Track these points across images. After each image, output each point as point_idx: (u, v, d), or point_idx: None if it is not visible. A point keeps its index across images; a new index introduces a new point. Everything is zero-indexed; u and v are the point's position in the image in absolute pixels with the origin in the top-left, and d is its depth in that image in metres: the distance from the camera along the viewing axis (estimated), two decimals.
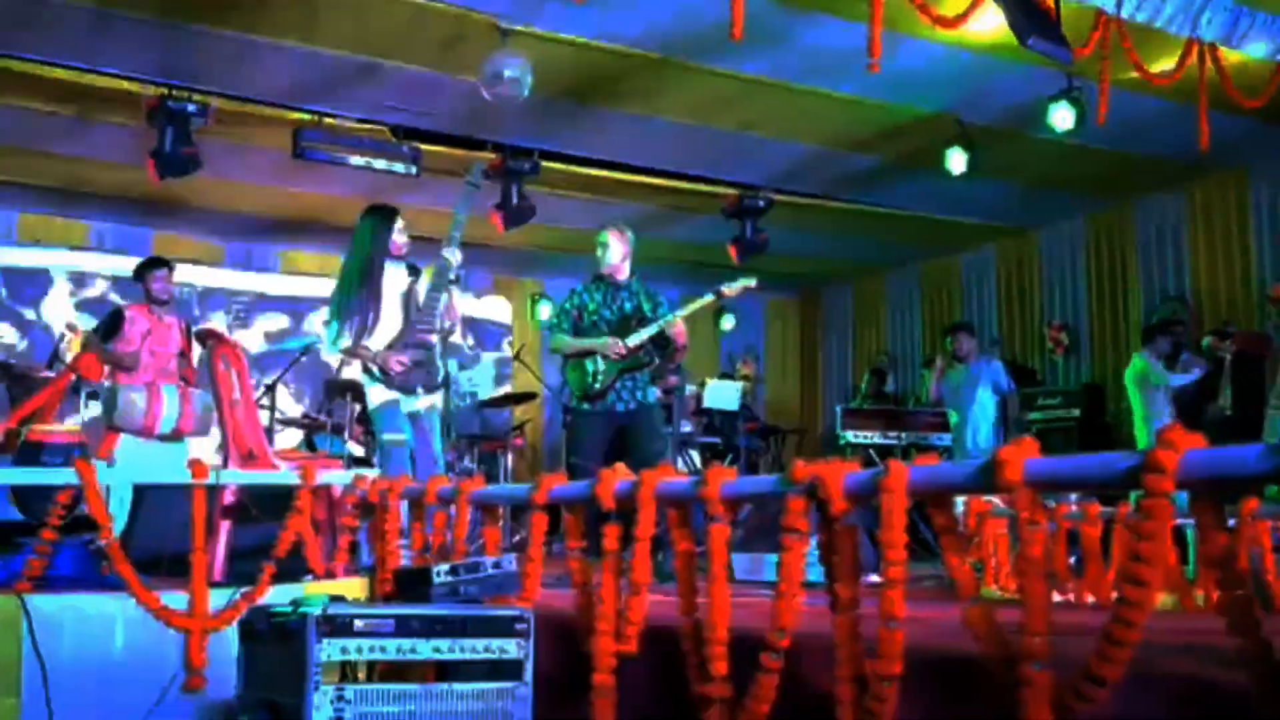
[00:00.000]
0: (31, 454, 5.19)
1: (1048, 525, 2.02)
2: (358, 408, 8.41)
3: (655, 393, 6.65)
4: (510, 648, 3.01)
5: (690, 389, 10.20)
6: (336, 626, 2.80)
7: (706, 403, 10.00)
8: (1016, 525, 2.07)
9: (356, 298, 5.87)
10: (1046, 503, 2.08)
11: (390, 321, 5.91)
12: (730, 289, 6.61)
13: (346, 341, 5.81)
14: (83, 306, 11.03)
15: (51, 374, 8.37)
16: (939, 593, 4.91)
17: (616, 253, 6.50)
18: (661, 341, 6.43)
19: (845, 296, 14.17)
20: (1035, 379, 11.06)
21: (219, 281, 11.91)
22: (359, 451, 8.96)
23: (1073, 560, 5.49)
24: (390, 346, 5.81)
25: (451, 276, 5.97)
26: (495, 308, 13.35)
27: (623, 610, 2.86)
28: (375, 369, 5.77)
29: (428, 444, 5.97)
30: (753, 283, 6.76)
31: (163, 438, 6.74)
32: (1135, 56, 6.73)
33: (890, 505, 2.20)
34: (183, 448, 6.94)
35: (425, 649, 2.90)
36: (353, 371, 6.96)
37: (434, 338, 5.93)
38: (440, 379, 5.96)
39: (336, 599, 3.02)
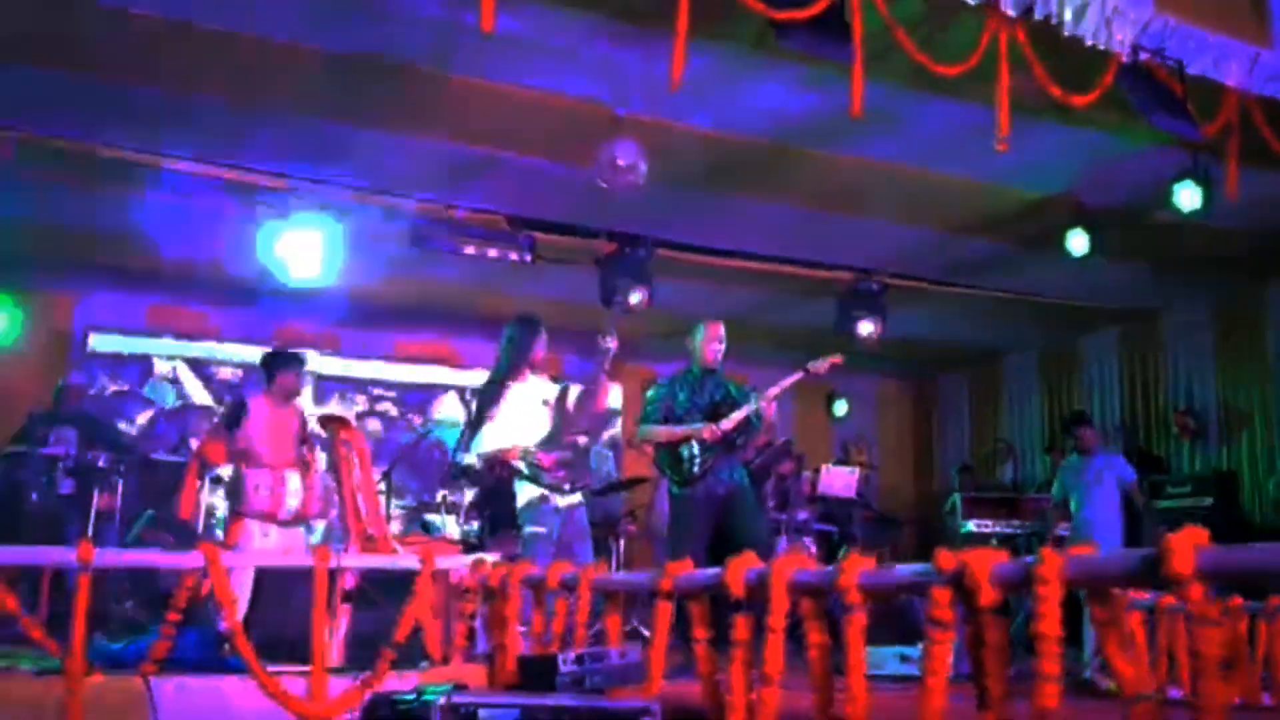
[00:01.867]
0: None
1: (1228, 623, 1.87)
2: (473, 492, 8.47)
3: (746, 474, 6.75)
4: None
5: (805, 475, 10.05)
6: (461, 716, 2.74)
7: (821, 489, 9.83)
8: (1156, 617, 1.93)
9: (497, 404, 6.03)
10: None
11: (537, 425, 6.03)
12: (818, 365, 6.68)
13: (485, 446, 5.96)
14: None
15: (174, 458, 8.59)
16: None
17: (710, 344, 6.71)
18: (745, 426, 6.54)
19: (961, 382, 13.92)
20: (1162, 467, 10.68)
21: (335, 369, 12.11)
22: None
23: None
24: (540, 446, 5.95)
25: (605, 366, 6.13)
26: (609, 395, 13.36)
27: (753, 704, 2.75)
28: (526, 467, 5.89)
29: (569, 543, 6.02)
30: (839, 358, 6.81)
31: (285, 522, 6.82)
32: (1267, 132, 6.54)
33: (1046, 595, 2.08)
34: (306, 531, 7.04)
35: None
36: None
37: (583, 440, 6.09)
38: (590, 478, 6.15)
39: (459, 687, 2.96)
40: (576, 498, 6.15)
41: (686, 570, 3.15)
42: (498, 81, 6.76)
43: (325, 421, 5.78)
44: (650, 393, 6.95)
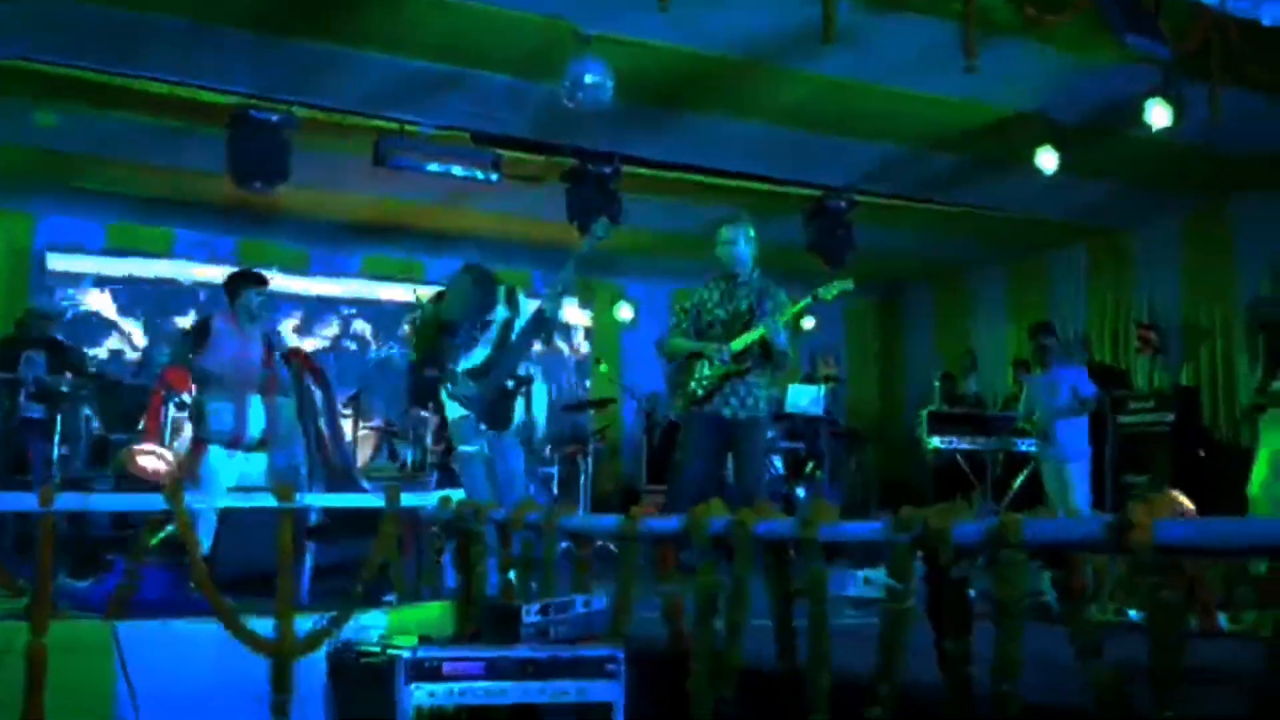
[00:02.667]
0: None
1: (1179, 594, 1.88)
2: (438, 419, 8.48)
3: (765, 402, 6.34)
4: (602, 689, 2.93)
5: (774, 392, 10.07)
6: (425, 671, 2.75)
7: (788, 406, 9.86)
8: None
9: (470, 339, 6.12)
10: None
11: (476, 353, 6.04)
12: (827, 293, 6.36)
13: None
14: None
15: (137, 382, 8.52)
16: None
17: (736, 245, 6.32)
18: (768, 351, 6.18)
19: (928, 296, 13.93)
20: (1125, 382, 10.76)
21: (303, 287, 12.00)
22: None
23: None
24: (474, 376, 5.90)
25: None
26: (574, 310, 13.32)
27: (718, 652, 2.77)
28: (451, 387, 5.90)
29: (505, 459, 5.99)
30: (850, 285, 6.50)
31: (249, 448, 6.78)
32: (1241, 52, 6.49)
33: (1007, 561, 2.08)
34: (268, 458, 7.01)
35: (515, 692, 2.83)
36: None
37: (511, 383, 6.02)
38: (511, 422, 6.09)
39: (423, 639, 2.96)
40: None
41: (651, 514, 3.15)
42: None
43: (289, 356, 5.71)
44: (684, 302, 6.61)
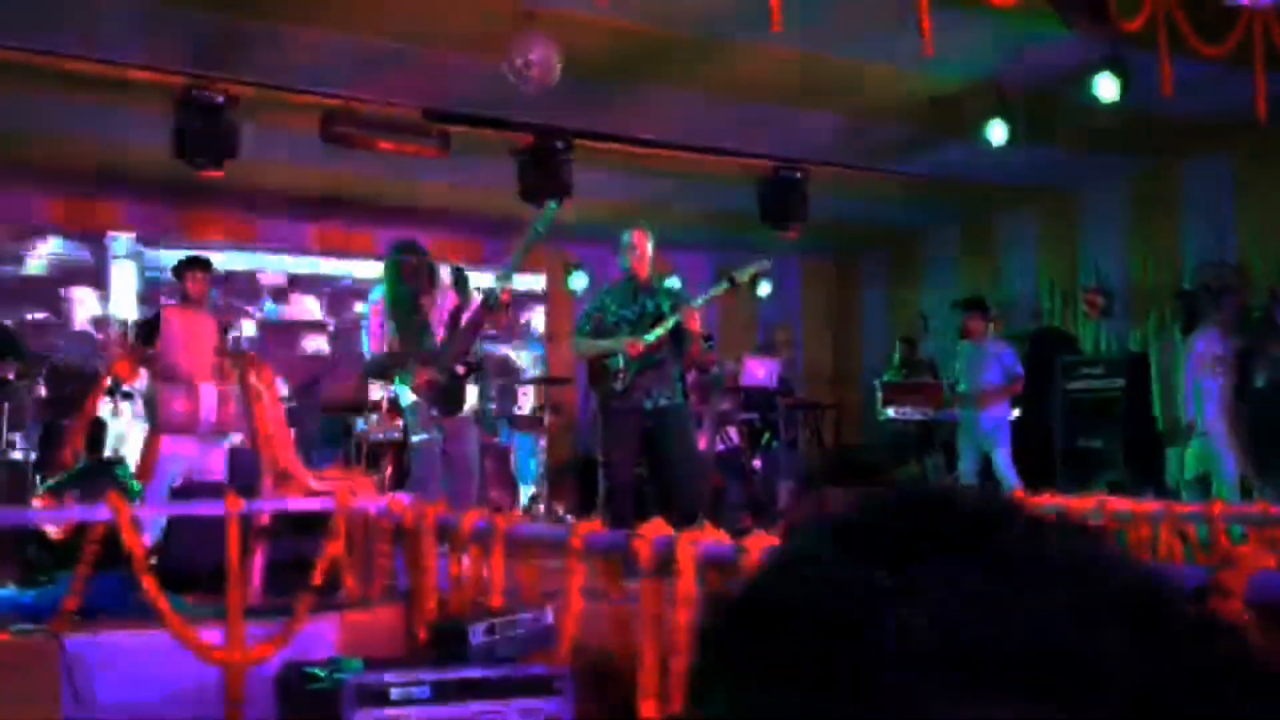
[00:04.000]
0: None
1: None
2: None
3: (683, 390, 6.64)
4: (549, 708, 2.96)
5: (728, 365, 10.10)
6: (372, 696, 2.75)
7: (744, 380, 9.89)
8: None
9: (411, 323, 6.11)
10: None
11: (429, 338, 6.08)
12: (742, 275, 6.55)
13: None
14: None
15: (86, 366, 8.42)
16: None
17: (638, 252, 6.55)
18: (678, 338, 6.44)
19: (882, 262, 13.97)
20: (1074, 347, 10.87)
21: (250, 265, 11.86)
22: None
23: None
24: (424, 363, 5.93)
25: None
26: (529, 280, 13.25)
27: (666, 670, 2.79)
28: (401, 377, 5.93)
29: (459, 442, 6.02)
30: (767, 264, 6.78)
31: (203, 435, 6.75)
32: (1187, 27, 6.51)
33: None
34: (225, 443, 7.00)
35: (463, 714, 2.85)
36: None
37: (461, 369, 6.05)
38: (462, 406, 6.11)
39: (369, 664, 2.96)
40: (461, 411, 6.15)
41: (595, 529, 3.16)
42: None
43: (234, 358, 5.68)
44: (587, 306, 6.90)
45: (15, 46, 7.27)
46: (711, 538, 2.74)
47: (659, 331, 6.31)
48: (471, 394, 6.44)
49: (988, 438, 8.57)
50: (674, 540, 2.78)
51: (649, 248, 6.58)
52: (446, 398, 6.09)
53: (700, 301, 6.47)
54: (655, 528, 2.88)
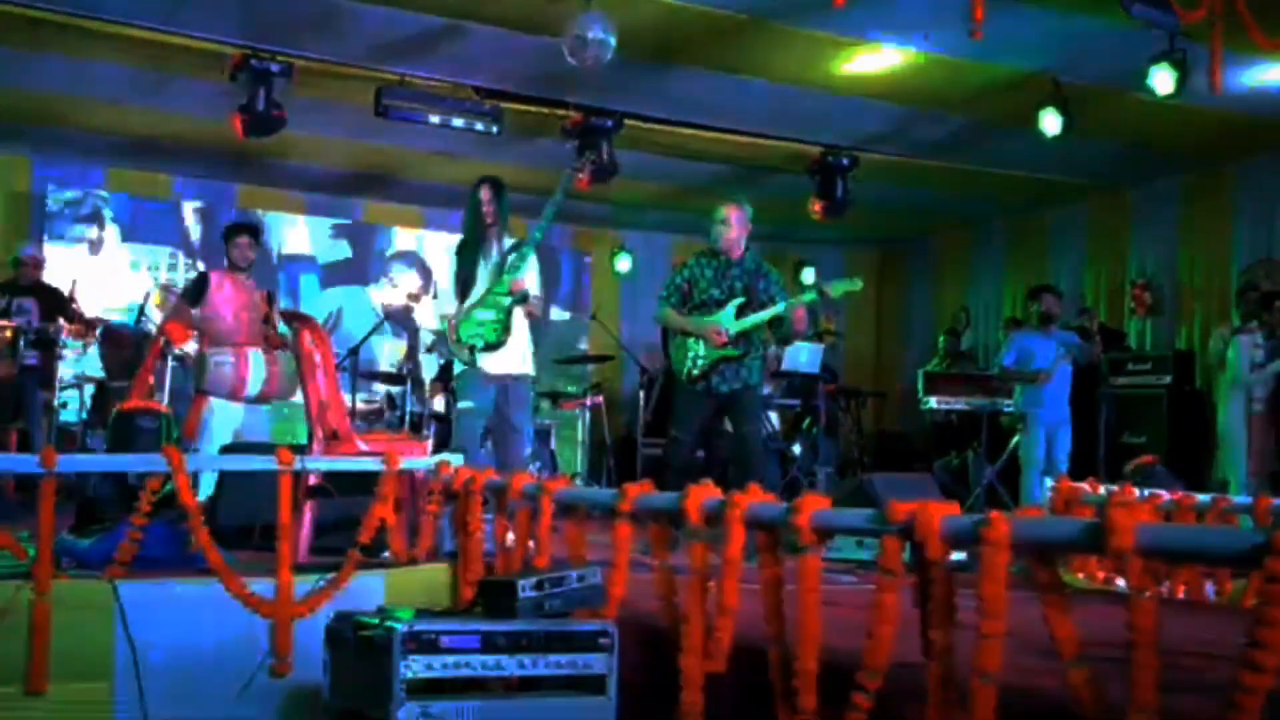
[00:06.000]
0: (124, 429, 5.24)
1: (1159, 593, 1.93)
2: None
3: (759, 372, 6.49)
4: (594, 662, 3.00)
5: (771, 350, 10.09)
6: (422, 644, 2.81)
7: (786, 364, 9.89)
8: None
9: (463, 268, 6.04)
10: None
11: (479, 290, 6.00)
12: (834, 290, 6.42)
13: (450, 308, 5.99)
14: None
15: (140, 329, 8.55)
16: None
17: (733, 228, 6.33)
18: (777, 326, 6.32)
19: (928, 252, 13.92)
20: (1123, 343, 10.80)
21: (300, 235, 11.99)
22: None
23: None
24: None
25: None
26: (574, 261, 13.32)
27: (710, 629, 2.82)
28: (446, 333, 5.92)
29: (507, 415, 5.97)
30: (858, 286, 6.59)
31: (250, 400, 6.85)
32: (1249, 20, 6.43)
33: (991, 558, 2.12)
34: (270, 410, 7.09)
35: (510, 665, 2.90)
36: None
37: (507, 300, 5.91)
38: (505, 340, 5.91)
39: (420, 613, 3.02)
40: (514, 367, 5.97)
41: (646, 491, 3.19)
42: None
43: (289, 318, 5.74)
44: (674, 274, 6.61)
45: (71, 11, 7.38)
46: (759, 498, 2.77)
47: (753, 320, 6.16)
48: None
49: (1059, 417, 8.60)
50: (723, 501, 2.81)
51: (744, 225, 6.36)
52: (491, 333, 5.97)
53: (794, 302, 6.28)
54: (704, 489, 2.91)
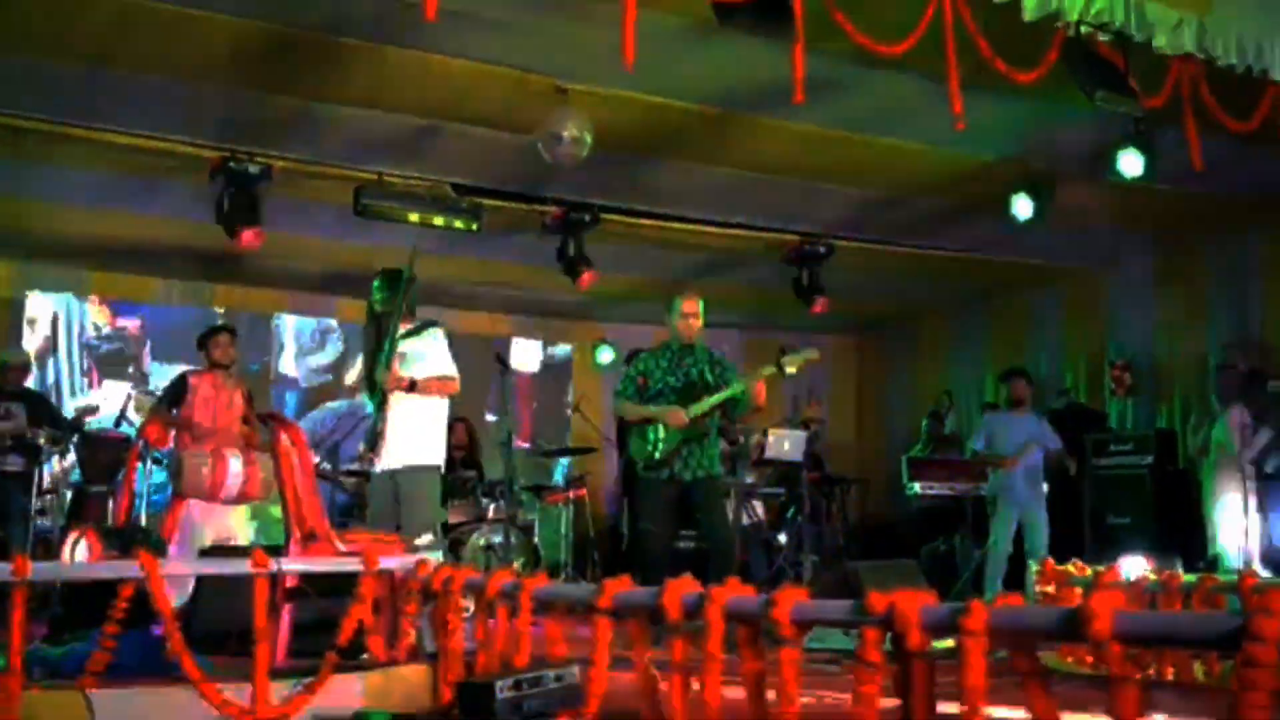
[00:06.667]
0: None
1: (1138, 681, 1.91)
2: None
3: (719, 461, 6.60)
4: None
5: (754, 437, 10.09)
6: None
7: (770, 453, 9.87)
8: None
9: (364, 363, 6.58)
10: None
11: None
12: (790, 363, 6.50)
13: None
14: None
15: (118, 432, 8.51)
16: None
17: (689, 318, 6.51)
18: (730, 404, 6.39)
19: (908, 338, 13.98)
20: (1102, 424, 10.82)
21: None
22: None
23: None
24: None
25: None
26: (553, 355, 13.35)
27: None
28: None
29: (409, 487, 6.05)
30: (815, 355, 6.70)
31: (228, 502, 6.79)
32: (1211, 102, 6.54)
33: (970, 647, 2.10)
34: (248, 510, 7.02)
35: None
36: None
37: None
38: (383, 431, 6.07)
39: (399, 716, 2.96)
40: (399, 460, 6.13)
41: (624, 587, 3.16)
42: (438, 54, 6.68)
43: (265, 418, 5.73)
44: (630, 368, 6.83)
45: (52, 119, 7.44)
46: (739, 592, 2.74)
47: (708, 404, 6.26)
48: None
49: (1031, 499, 8.57)
50: (703, 596, 2.78)
51: (700, 314, 6.54)
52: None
53: (751, 380, 6.38)
54: (683, 584, 2.88)
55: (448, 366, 6.29)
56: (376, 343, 6.31)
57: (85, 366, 11.01)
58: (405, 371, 6.23)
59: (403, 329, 6.29)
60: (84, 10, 6.06)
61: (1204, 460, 8.77)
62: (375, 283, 6.43)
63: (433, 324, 6.37)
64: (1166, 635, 1.95)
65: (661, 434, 6.29)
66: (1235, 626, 1.71)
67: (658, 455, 6.26)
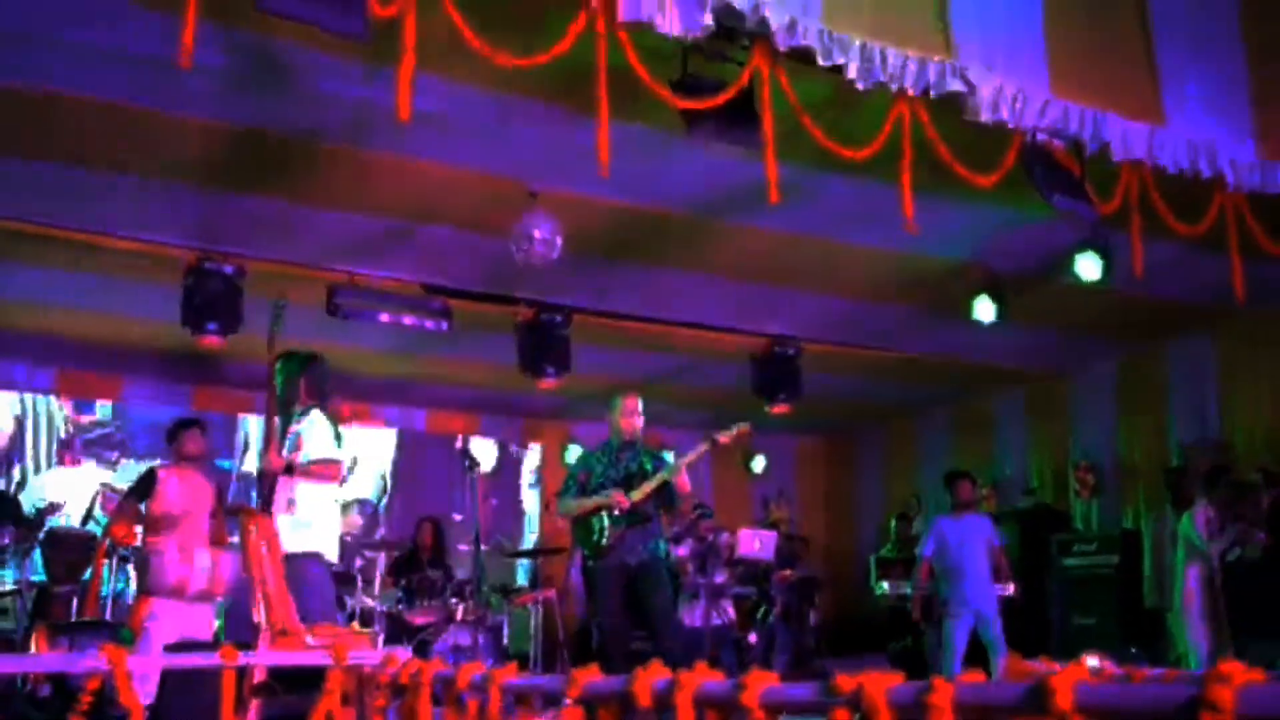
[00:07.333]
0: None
1: None
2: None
3: (665, 547, 6.82)
4: None
5: (724, 538, 10.10)
6: None
7: (740, 552, 9.88)
8: None
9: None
10: None
11: None
12: (725, 435, 6.75)
13: None
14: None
15: (84, 530, 8.43)
16: None
17: (630, 415, 6.81)
18: (668, 496, 6.64)
19: (877, 439, 14.11)
20: (1067, 524, 10.91)
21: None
22: None
23: None
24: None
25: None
26: (528, 454, 13.37)
27: None
28: None
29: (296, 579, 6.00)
30: (746, 427, 6.95)
31: (193, 598, 6.72)
32: (1163, 208, 6.73)
33: None
34: (214, 609, 6.95)
35: None
36: None
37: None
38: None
39: None
40: (289, 546, 5.94)
41: (593, 677, 3.17)
42: (413, 157, 6.81)
43: (234, 511, 5.73)
44: (571, 467, 7.06)
45: (23, 219, 7.51)
46: (709, 676, 2.76)
47: (645, 487, 6.54)
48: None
49: (983, 604, 8.54)
50: (672, 681, 2.80)
51: (639, 412, 6.82)
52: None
53: (684, 461, 6.63)
54: (653, 671, 2.90)
55: (329, 450, 6.31)
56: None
57: (52, 456, 10.93)
58: (287, 456, 6.24)
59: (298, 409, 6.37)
60: (59, 112, 6.16)
61: (1171, 554, 8.76)
62: (277, 365, 6.48)
63: (311, 409, 6.41)
64: (1127, 707, 1.99)
65: (606, 521, 6.54)
66: (1192, 696, 1.76)
67: (605, 542, 6.45)
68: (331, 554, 6.46)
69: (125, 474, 10.73)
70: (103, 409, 11.33)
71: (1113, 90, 6.48)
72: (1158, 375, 10.72)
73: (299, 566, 6.04)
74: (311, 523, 6.24)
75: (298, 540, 6.11)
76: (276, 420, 6.29)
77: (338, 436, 6.51)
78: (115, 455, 11.12)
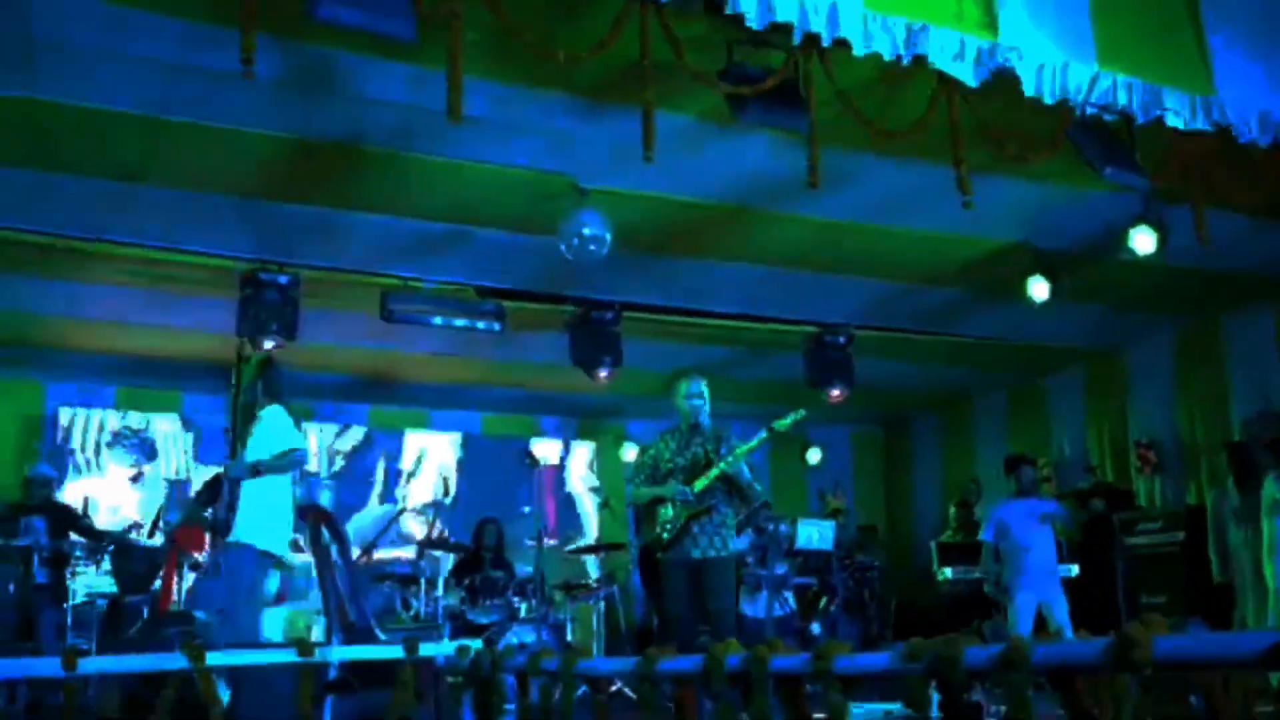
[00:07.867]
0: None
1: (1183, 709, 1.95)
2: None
3: (736, 542, 6.71)
4: None
5: (784, 529, 10.08)
6: None
7: (799, 543, 9.86)
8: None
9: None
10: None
11: None
12: (782, 425, 6.60)
13: None
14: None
15: (152, 542, 8.57)
16: None
17: (696, 399, 6.64)
18: (734, 486, 6.50)
19: (932, 425, 14.02)
20: (1131, 502, 10.78)
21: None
22: None
23: None
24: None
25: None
26: (579, 453, 13.41)
27: None
28: None
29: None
30: (803, 414, 6.77)
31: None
32: (1217, 177, 6.66)
33: (1017, 683, 2.14)
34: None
35: None
36: None
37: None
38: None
39: None
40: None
41: (667, 656, 3.20)
42: (461, 159, 6.86)
43: (304, 512, 5.79)
44: (640, 455, 6.98)
45: (81, 236, 7.66)
46: (784, 652, 2.78)
47: (706, 479, 6.39)
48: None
49: (1046, 586, 8.47)
50: (747, 658, 2.82)
51: (703, 395, 6.66)
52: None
53: (742, 450, 6.49)
54: (726, 647, 2.92)
55: (289, 441, 6.34)
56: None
57: (103, 466, 11.11)
58: (251, 457, 6.28)
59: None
60: (114, 129, 6.27)
61: (1247, 529, 8.50)
62: (245, 369, 6.62)
63: (269, 406, 6.49)
64: (1206, 656, 1.99)
65: (670, 512, 6.42)
66: (1273, 643, 1.76)
67: (667, 535, 6.36)
68: (271, 541, 6.15)
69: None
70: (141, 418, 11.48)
71: (1161, 61, 6.41)
72: (1215, 349, 10.56)
73: (233, 555, 6.06)
74: (254, 515, 6.18)
75: (238, 531, 6.10)
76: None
77: (296, 424, 6.58)
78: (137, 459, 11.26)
